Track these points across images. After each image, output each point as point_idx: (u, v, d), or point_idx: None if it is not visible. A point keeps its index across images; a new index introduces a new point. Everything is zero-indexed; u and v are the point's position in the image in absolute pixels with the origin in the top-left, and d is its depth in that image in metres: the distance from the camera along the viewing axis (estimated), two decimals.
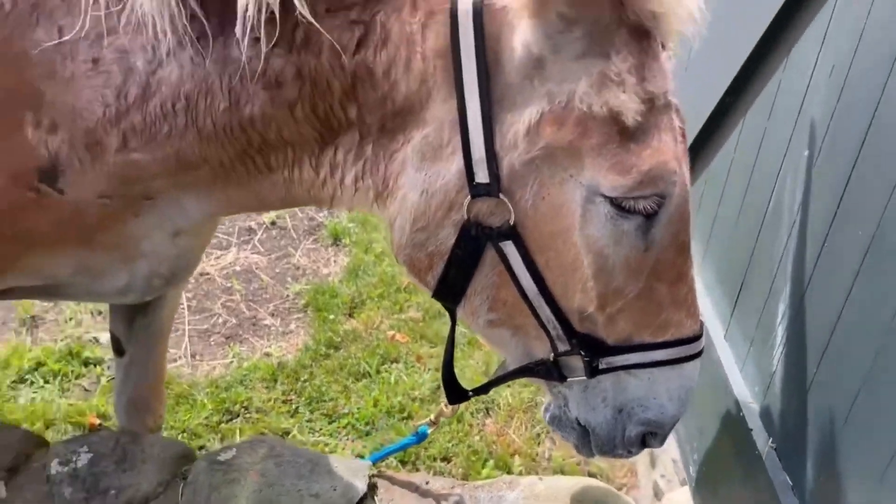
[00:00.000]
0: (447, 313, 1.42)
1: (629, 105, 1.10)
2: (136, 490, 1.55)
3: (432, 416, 2.09)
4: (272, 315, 3.41)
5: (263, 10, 1.14)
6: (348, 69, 1.19)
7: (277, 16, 1.14)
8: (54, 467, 1.57)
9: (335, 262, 3.79)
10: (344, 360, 3.09)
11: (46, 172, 1.39)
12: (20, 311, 3.20)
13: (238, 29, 1.16)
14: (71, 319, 3.20)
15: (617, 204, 1.15)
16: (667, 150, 1.14)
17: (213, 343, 3.20)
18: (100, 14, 1.26)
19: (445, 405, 2.02)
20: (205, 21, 1.21)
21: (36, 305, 3.23)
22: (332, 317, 3.34)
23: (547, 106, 1.13)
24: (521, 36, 1.11)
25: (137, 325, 2.01)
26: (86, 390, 2.91)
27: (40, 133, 1.36)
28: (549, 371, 1.32)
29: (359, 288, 3.53)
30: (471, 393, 1.49)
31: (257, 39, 1.17)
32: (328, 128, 1.26)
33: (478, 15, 1.11)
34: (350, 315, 3.39)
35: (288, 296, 3.51)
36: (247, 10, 1.14)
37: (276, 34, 1.16)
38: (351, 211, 1.36)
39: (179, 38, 1.23)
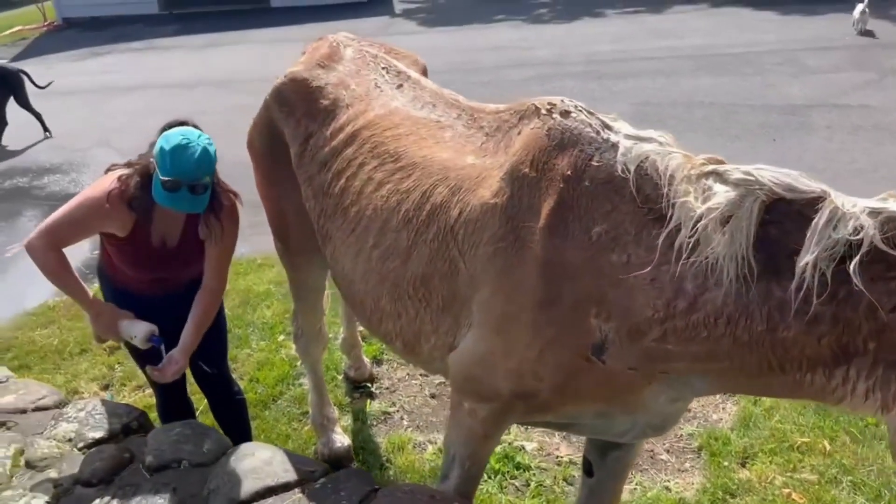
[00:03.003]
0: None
1: None
2: None
3: None
4: (667, 451, 3.79)
5: (817, 276, 1.60)
6: (880, 320, 1.57)
7: (829, 282, 1.59)
8: None
9: (724, 409, 4.07)
10: None
11: (597, 348, 1.96)
12: None
13: (794, 284, 1.62)
14: None
15: None
16: None
17: None
18: (670, 262, 1.83)
19: None
20: (755, 266, 1.71)
21: None
22: (725, 463, 3.61)
23: None
24: None
25: (611, 456, 2.51)
26: (517, 489, 3.55)
27: (598, 321, 1.93)
28: None
29: (750, 439, 3.76)
30: None
31: (808, 291, 1.62)
32: (845, 352, 1.64)
33: None
34: (743, 465, 3.63)
35: (681, 435, 3.87)
36: (805, 272, 1.60)
37: (826, 293, 1.60)
38: (852, 412, 1.71)
39: (736, 275, 1.73)
